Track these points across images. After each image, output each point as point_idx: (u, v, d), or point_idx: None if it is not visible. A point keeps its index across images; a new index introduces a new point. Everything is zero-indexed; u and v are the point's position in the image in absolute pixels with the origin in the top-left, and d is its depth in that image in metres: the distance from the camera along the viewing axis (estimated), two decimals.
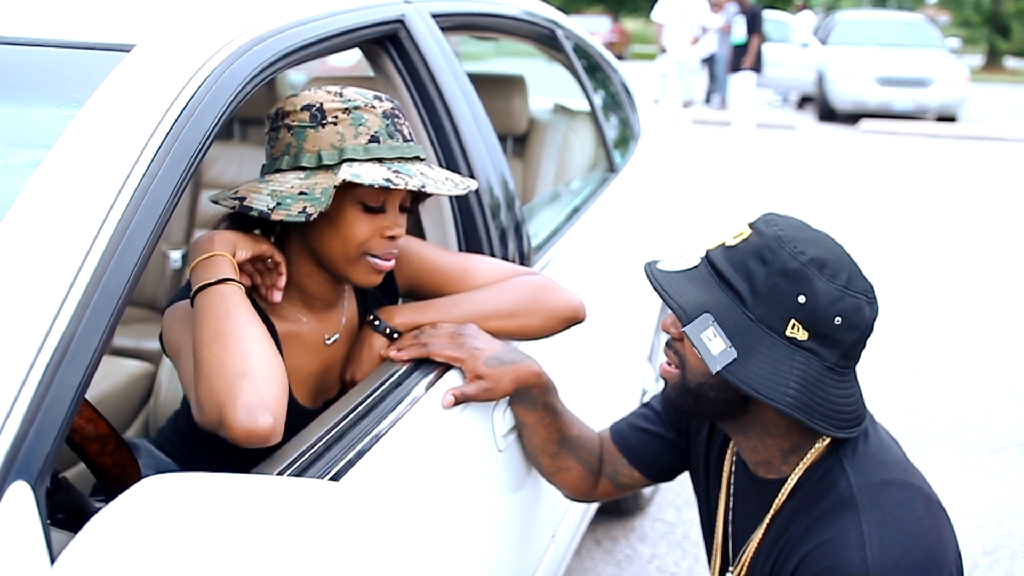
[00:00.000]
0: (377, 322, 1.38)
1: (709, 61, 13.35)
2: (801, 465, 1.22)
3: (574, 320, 1.52)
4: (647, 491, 2.83)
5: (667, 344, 1.27)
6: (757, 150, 9.89)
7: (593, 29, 26.00)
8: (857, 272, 1.17)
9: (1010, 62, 24.45)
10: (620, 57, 26.26)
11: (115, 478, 1.11)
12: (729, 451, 1.38)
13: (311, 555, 0.90)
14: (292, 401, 1.23)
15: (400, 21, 1.53)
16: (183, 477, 0.77)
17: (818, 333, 1.13)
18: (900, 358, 4.16)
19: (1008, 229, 6.73)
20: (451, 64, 1.63)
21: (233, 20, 1.19)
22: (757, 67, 9.84)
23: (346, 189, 1.22)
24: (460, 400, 1.33)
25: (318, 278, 1.32)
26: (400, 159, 1.25)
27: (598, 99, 2.62)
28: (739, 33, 10.11)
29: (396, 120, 1.27)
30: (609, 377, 2.24)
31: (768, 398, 1.12)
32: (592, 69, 2.70)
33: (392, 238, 1.27)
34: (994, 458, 3.28)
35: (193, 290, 1.14)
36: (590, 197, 2.30)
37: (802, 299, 1.12)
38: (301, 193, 1.19)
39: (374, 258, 1.27)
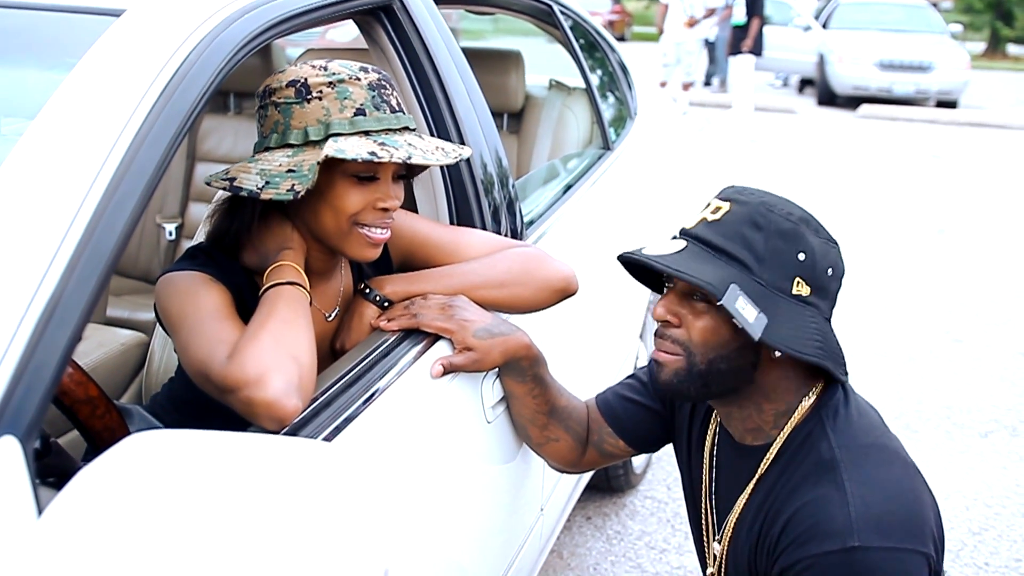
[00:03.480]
0: (368, 291, 1.39)
1: (709, 43, 13.30)
2: (788, 426, 1.25)
3: (566, 292, 1.52)
4: (638, 468, 2.85)
5: (659, 334, 1.26)
6: (756, 133, 9.87)
7: (594, 8, 25.77)
8: (821, 224, 1.25)
9: (1013, 48, 24.33)
10: (621, 38, 26.10)
11: (105, 442, 1.11)
12: (712, 423, 1.39)
13: (300, 513, 0.91)
14: None
15: None
16: (172, 433, 0.78)
17: (817, 287, 1.20)
18: (892, 343, 4.17)
19: (1005, 216, 6.73)
20: (446, 38, 1.63)
21: None
22: (757, 50, 9.78)
23: (335, 163, 1.22)
24: (448, 370, 1.34)
25: (315, 252, 1.33)
26: (387, 131, 1.25)
27: (595, 77, 2.61)
28: (739, 15, 10.06)
29: (383, 91, 1.27)
30: (601, 354, 2.25)
31: (804, 353, 1.16)
32: (589, 47, 2.70)
33: (385, 210, 1.28)
34: (983, 441, 3.31)
35: (267, 285, 1.21)
36: (584, 174, 2.30)
37: (801, 256, 1.18)
38: (289, 171, 1.20)
39: (367, 228, 1.27)
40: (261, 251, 1.29)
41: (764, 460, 1.27)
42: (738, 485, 1.32)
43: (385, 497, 1.16)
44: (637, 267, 1.32)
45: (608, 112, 2.67)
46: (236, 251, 1.32)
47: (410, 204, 1.65)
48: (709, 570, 1.42)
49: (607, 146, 2.51)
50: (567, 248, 1.93)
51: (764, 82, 15.05)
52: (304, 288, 1.22)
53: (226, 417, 1.14)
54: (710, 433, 1.39)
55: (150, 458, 0.75)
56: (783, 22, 13.95)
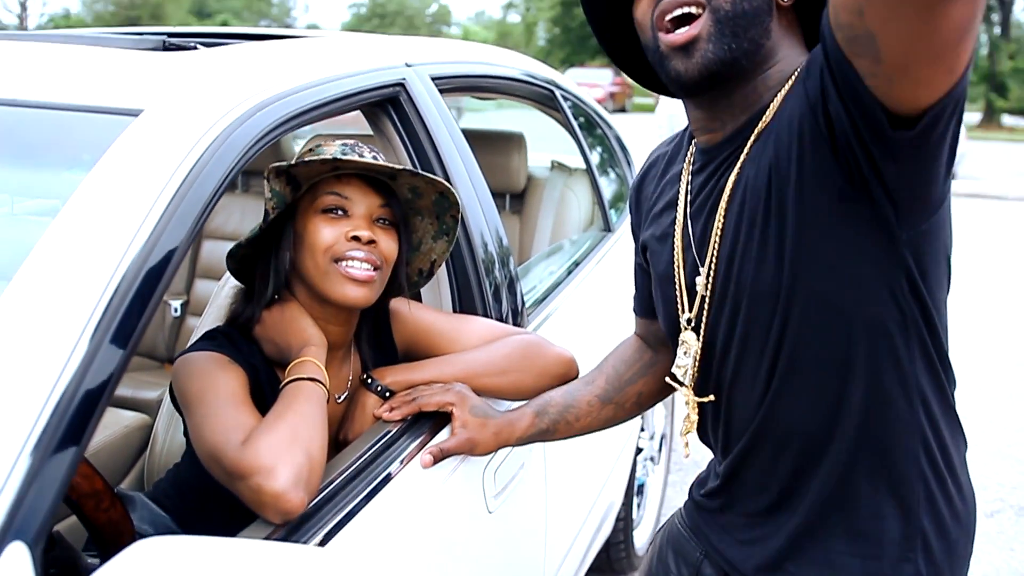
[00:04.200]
0: (370, 381, 1.40)
1: None
2: (792, 79, 1.10)
3: (567, 377, 1.53)
4: (640, 550, 2.82)
5: (677, 10, 1.09)
6: None
7: (595, 81, 26.35)
8: None
9: (1008, 119, 24.74)
10: (622, 109, 26.58)
11: (109, 535, 1.12)
12: (686, 169, 1.25)
13: None
14: None
15: (400, 84, 1.58)
16: (175, 540, 0.79)
17: None
18: None
19: (1006, 287, 6.76)
20: (448, 126, 1.67)
21: (239, 85, 1.22)
22: None
23: (308, 205, 1.32)
24: (439, 457, 1.32)
25: (320, 323, 1.35)
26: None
27: (595, 157, 2.67)
28: None
29: (356, 146, 1.34)
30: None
31: None
32: (589, 127, 2.76)
33: (356, 239, 1.30)
34: (989, 521, 3.27)
35: (290, 379, 1.23)
36: (586, 256, 2.33)
37: None
38: (267, 200, 1.29)
39: (343, 264, 1.30)
40: (282, 345, 1.32)
41: (766, 113, 1.11)
42: (722, 178, 1.15)
43: None
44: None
45: (609, 191, 2.72)
46: (252, 332, 1.35)
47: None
48: (685, 315, 1.21)
49: (608, 228, 2.55)
50: (569, 331, 1.95)
51: None
52: (324, 386, 1.24)
53: (230, 507, 1.15)
54: (685, 183, 1.24)
55: (154, 566, 0.76)
56: None
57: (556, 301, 2.03)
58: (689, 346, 1.21)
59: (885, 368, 1.07)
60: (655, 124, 10.53)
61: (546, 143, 3.31)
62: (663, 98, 10.21)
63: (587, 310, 2.17)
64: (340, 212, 1.31)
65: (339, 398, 1.41)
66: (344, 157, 1.29)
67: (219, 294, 1.92)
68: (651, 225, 1.30)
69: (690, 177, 1.22)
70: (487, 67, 2.04)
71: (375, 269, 1.32)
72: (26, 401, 0.80)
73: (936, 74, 0.87)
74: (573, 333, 1.95)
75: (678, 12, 1.07)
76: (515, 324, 1.74)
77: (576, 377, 1.54)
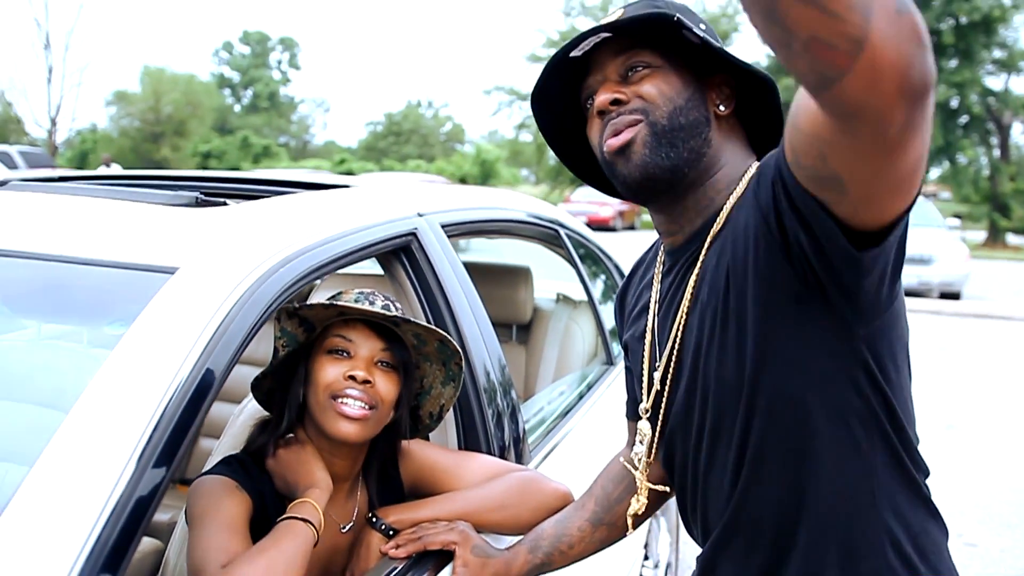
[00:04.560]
0: (375, 519, 1.48)
1: None
2: (740, 184, 1.19)
3: (565, 507, 1.59)
4: None
5: (613, 120, 1.20)
6: None
7: (605, 199, 26.91)
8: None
9: (1012, 238, 25.03)
10: (631, 227, 27.06)
11: None
12: (656, 274, 1.34)
13: None
14: None
15: (412, 234, 1.71)
16: None
17: (712, 35, 1.21)
18: None
19: (1015, 410, 6.75)
20: (455, 268, 1.80)
21: (265, 242, 1.35)
22: None
23: (319, 345, 1.43)
24: None
25: (325, 455, 1.44)
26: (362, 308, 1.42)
27: (597, 291, 2.78)
28: None
29: (370, 295, 1.46)
30: (603, 560, 2.27)
31: (748, 65, 1.17)
32: (594, 262, 2.89)
33: (352, 378, 1.40)
34: None
35: (287, 516, 1.31)
36: (589, 390, 2.42)
37: (703, 26, 1.20)
38: (279, 339, 1.43)
39: (339, 400, 1.39)
40: (291, 483, 1.40)
41: (717, 219, 1.19)
42: (683, 278, 1.24)
43: None
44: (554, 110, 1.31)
45: (610, 324, 2.82)
46: (265, 462, 1.45)
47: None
48: (642, 405, 1.30)
49: (610, 361, 2.65)
50: (571, 462, 2.02)
51: None
52: (316, 531, 1.31)
53: None
54: (655, 288, 1.33)
55: None
56: None
57: (559, 433, 2.11)
58: (644, 435, 1.30)
59: (847, 458, 1.11)
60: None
61: (551, 270, 3.43)
62: None
63: (588, 442, 2.24)
64: (344, 353, 1.42)
65: (344, 528, 1.48)
66: (352, 305, 1.40)
67: (236, 420, 2.00)
68: (630, 328, 1.40)
69: (660, 280, 1.32)
70: (494, 211, 2.18)
71: (370, 408, 1.41)
72: (68, 543, 0.89)
73: (897, 199, 0.95)
74: (575, 465, 2.02)
75: (622, 126, 1.19)
76: (516, 450, 1.82)
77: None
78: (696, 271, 1.20)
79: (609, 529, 1.49)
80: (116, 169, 19.17)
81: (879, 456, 1.12)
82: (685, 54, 1.19)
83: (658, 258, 1.35)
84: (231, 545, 1.25)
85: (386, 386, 1.43)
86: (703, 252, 1.20)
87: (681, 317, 1.22)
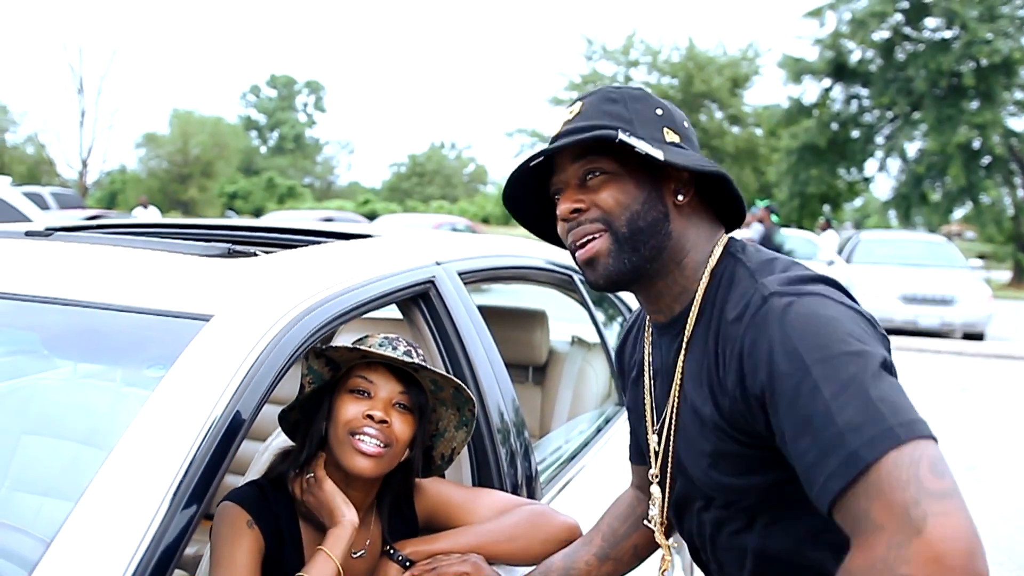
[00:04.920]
0: (393, 551, 1.56)
1: None
2: (707, 271, 1.27)
3: (571, 541, 1.67)
4: None
5: (575, 228, 1.28)
6: None
7: None
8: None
9: None
10: None
11: None
12: (646, 340, 1.42)
13: None
14: None
15: (431, 281, 1.81)
16: None
17: (682, 135, 1.29)
18: None
19: None
20: (471, 314, 1.89)
21: (291, 291, 1.45)
22: None
23: (342, 384, 1.54)
24: None
25: (341, 486, 1.54)
26: (385, 355, 1.52)
27: (611, 334, 2.87)
28: None
29: (394, 341, 1.56)
30: None
31: (705, 167, 1.23)
32: (607, 303, 2.98)
33: (370, 417, 1.50)
34: None
35: (322, 549, 1.45)
36: (600, 430, 2.49)
37: (659, 111, 1.29)
38: (305, 376, 1.54)
39: (356, 437, 1.49)
40: (323, 511, 1.51)
41: (692, 308, 1.27)
42: (671, 359, 1.31)
43: None
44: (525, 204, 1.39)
45: None
46: (285, 485, 1.56)
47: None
48: (651, 471, 1.39)
49: (622, 402, 2.72)
50: (583, 498, 2.09)
51: None
52: (337, 567, 1.42)
53: None
54: (647, 352, 1.41)
55: None
56: (808, 256, 14.54)
57: (572, 470, 2.19)
58: (655, 499, 1.39)
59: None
60: None
61: (566, 312, 3.52)
62: None
63: (600, 478, 2.31)
64: (365, 394, 1.53)
65: (356, 554, 1.57)
66: (374, 350, 1.51)
67: (260, 458, 2.10)
68: (631, 389, 1.50)
69: (650, 348, 1.41)
70: (510, 259, 2.28)
71: (385, 446, 1.51)
72: (120, 552, 0.98)
73: None
74: (586, 500, 2.09)
75: (584, 240, 1.28)
76: (529, 488, 1.89)
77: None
78: (681, 359, 1.29)
79: (615, 564, 1.57)
80: (153, 210, 19.56)
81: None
82: (639, 156, 1.25)
83: (647, 321, 1.43)
84: None
85: (401, 426, 1.53)
86: (685, 340, 1.28)
87: (674, 398, 1.31)
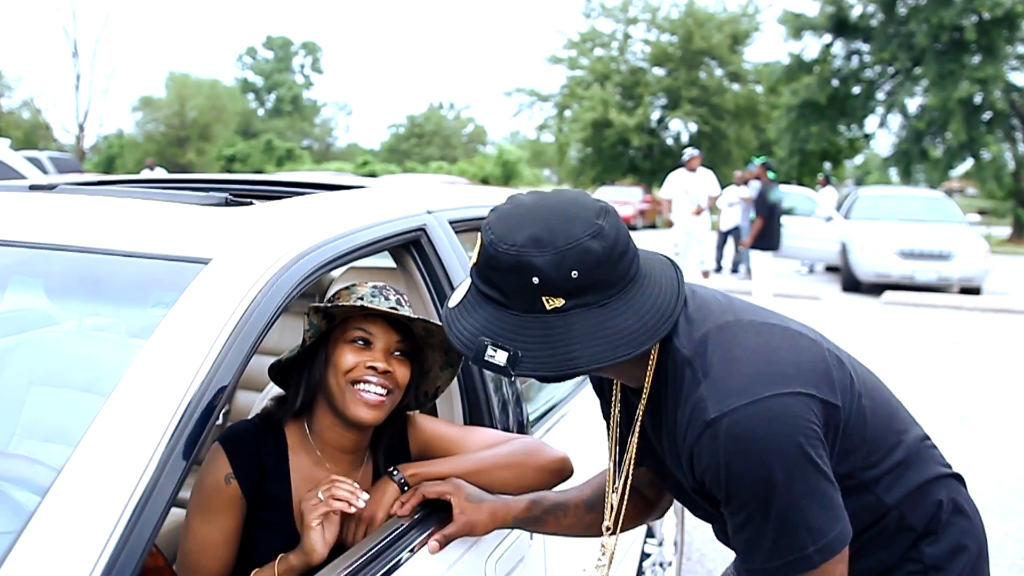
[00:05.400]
0: (395, 471, 1.64)
1: (735, 232, 13.88)
2: (651, 363, 1.34)
3: (563, 473, 1.76)
4: None
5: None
6: None
7: (626, 199, 27.04)
8: (571, 220, 1.24)
9: None
10: (652, 225, 27.15)
11: None
12: (616, 385, 1.51)
13: None
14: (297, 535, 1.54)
15: (422, 229, 1.87)
16: None
17: (568, 292, 1.22)
18: None
19: None
20: (462, 262, 1.96)
21: (286, 237, 1.51)
22: (772, 244, 10.22)
23: (340, 333, 1.59)
24: (444, 543, 1.55)
25: (337, 429, 1.62)
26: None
27: None
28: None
29: (384, 289, 1.62)
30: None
31: (556, 371, 1.24)
32: None
33: (373, 368, 1.56)
34: None
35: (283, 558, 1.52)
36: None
37: (535, 280, 1.22)
38: (306, 330, 1.59)
39: (360, 386, 1.56)
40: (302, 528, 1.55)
41: (643, 392, 1.36)
42: (629, 424, 1.44)
43: None
44: None
45: None
46: (279, 426, 1.65)
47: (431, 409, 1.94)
48: (604, 523, 1.51)
49: None
50: (574, 445, 2.17)
51: (791, 269, 15.52)
52: None
53: None
54: (616, 390, 1.50)
55: None
56: (807, 213, 14.57)
57: (562, 414, 2.27)
58: (606, 548, 1.52)
59: None
60: (670, 243, 10.84)
61: None
62: (678, 217, 10.59)
63: (589, 423, 2.39)
64: (365, 343, 1.59)
65: None
66: (372, 304, 1.57)
67: (260, 404, 2.18)
68: (607, 420, 1.58)
69: (619, 394, 1.50)
70: None
71: (387, 393, 1.58)
72: (118, 488, 1.06)
73: None
74: (576, 443, 2.17)
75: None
76: (520, 434, 1.97)
77: (571, 474, 1.77)
78: (638, 425, 1.42)
79: (597, 517, 1.64)
80: (160, 172, 19.57)
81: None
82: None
83: None
84: (206, 534, 1.52)
85: (401, 372, 1.61)
86: (640, 411, 1.40)
87: (631, 451, 1.44)
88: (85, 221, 1.59)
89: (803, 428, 1.21)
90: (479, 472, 1.67)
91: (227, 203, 1.65)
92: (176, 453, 1.14)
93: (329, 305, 1.57)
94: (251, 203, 1.68)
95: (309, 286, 1.51)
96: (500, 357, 1.24)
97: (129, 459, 1.10)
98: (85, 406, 1.37)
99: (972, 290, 12.82)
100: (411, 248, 1.88)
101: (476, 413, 1.87)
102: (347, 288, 1.64)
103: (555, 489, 1.71)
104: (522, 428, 2.00)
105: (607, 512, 1.52)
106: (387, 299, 1.61)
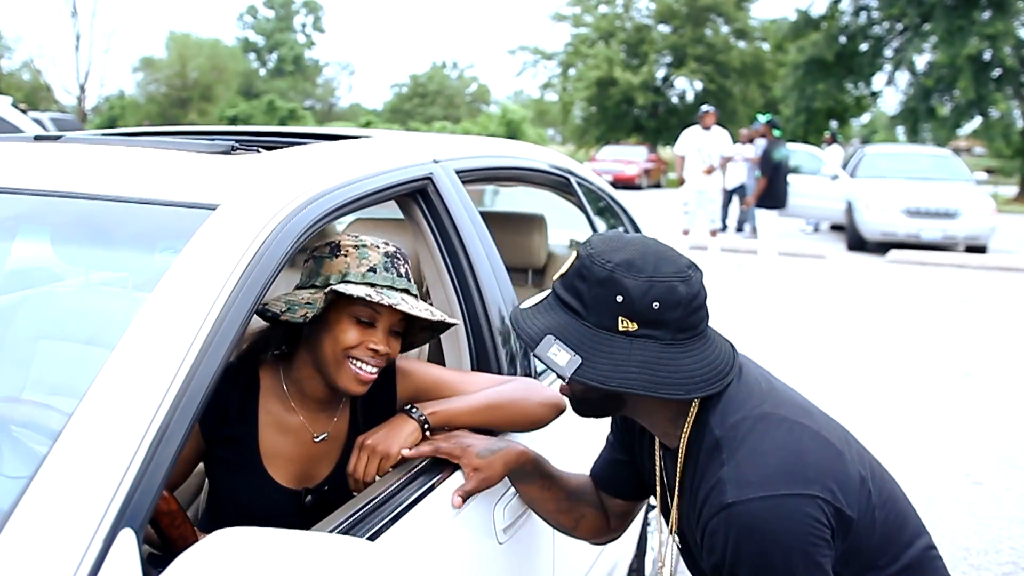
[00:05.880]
0: (413, 410, 1.64)
1: (740, 191, 13.81)
2: (686, 428, 1.42)
3: (559, 407, 1.79)
4: None
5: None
6: (786, 277, 10.14)
7: (631, 157, 26.88)
8: (665, 260, 1.37)
9: None
10: (657, 185, 27.02)
11: (179, 548, 1.36)
12: (657, 441, 1.57)
13: None
14: (269, 479, 1.60)
15: (428, 178, 1.86)
16: (246, 531, 1.03)
17: (644, 321, 1.33)
18: (912, 484, 4.25)
19: None
20: (470, 213, 1.95)
21: (293, 184, 1.50)
22: (778, 203, 10.17)
23: (343, 304, 1.57)
24: (466, 497, 1.57)
25: (315, 382, 1.63)
26: (389, 287, 1.58)
27: None
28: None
29: (395, 260, 1.62)
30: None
31: (608, 385, 1.32)
32: (604, 210, 3.03)
33: (374, 351, 1.56)
34: None
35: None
36: None
37: (619, 299, 1.33)
38: (306, 303, 1.56)
39: (358, 364, 1.56)
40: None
41: (678, 461, 1.45)
42: (671, 485, 1.50)
43: None
44: None
45: None
46: (254, 365, 1.66)
47: (438, 355, 1.93)
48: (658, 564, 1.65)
49: None
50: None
51: (796, 228, 15.47)
52: None
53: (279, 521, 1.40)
54: (657, 449, 1.57)
55: (233, 550, 1.00)
56: (813, 171, 14.49)
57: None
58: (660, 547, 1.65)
59: None
60: (680, 201, 10.80)
61: (566, 217, 3.58)
62: (690, 175, 10.53)
63: None
64: (369, 324, 1.58)
65: (318, 438, 1.66)
66: (384, 278, 1.58)
67: None
68: (647, 475, 1.64)
69: (663, 461, 1.55)
70: (507, 160, 2.32)
71: (379, 371, 1.60)
72: (136, 420, 1.06)
73: None
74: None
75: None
76: None
77: (564, 410, 1.79)
78: (677, 493, 1.49)
79: (571, 507, 1.74)
80: None
81: None
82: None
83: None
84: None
85: (394, 348, 1.62)
86: (677, 475, 1.47)
87: (674, 509, 1.51)
88: (91, 169, 1.58)
89: (813, 531, 1.27)
90: (493, 408, 1.69)
91: (233, 151, 1.64)
92: (187, 398, 1.14)
93: (339, 292, 1.53)
94: (257, 151, 1.67)
95: (315, 235, 1.50)
96: (562, 358, 1.34)
97: (139, 404, 1.09)
98: (93, 358, 1.37)
99: (978, 248, 12.78)
100: (418, 198, 1.87)
101: (484, 365, 1.87)
102: (356, 247, 1.62)
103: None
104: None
105: (661, 551, 1.65)
106: (399, 275, 1.61)
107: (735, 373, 1.40)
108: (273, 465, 1.63)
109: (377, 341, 1.58)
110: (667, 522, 1.56)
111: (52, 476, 1.02)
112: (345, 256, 1.61)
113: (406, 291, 1.61)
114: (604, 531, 1.77)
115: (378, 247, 1.63)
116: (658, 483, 1.58)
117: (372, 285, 1.57)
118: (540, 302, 1.44)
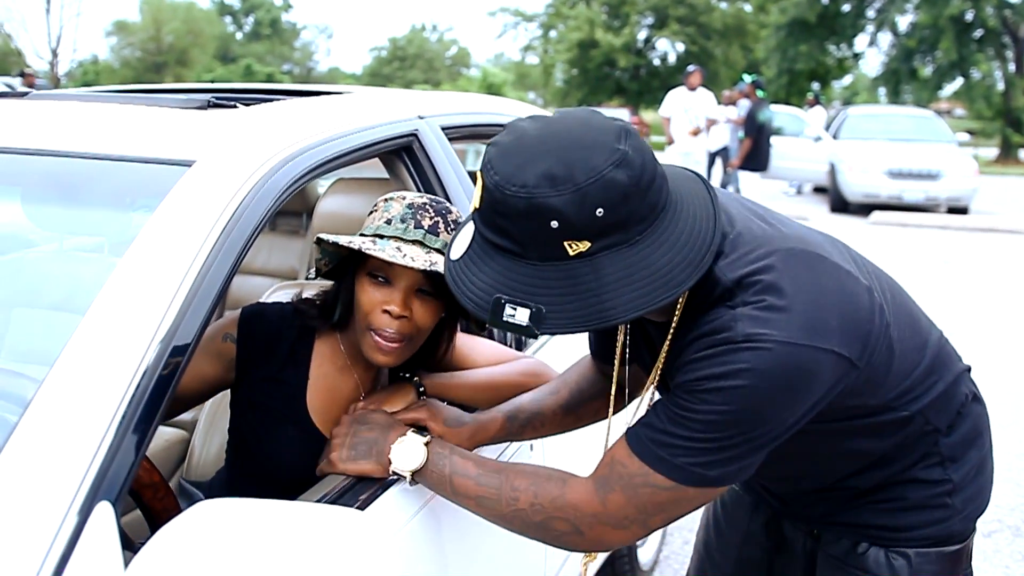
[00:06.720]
0: (415, 380, 1.59)
1: (723, 153, 13.76)
2: (682, 298, 1.20)
3: None
4: (646, 565, 2.97)
5: None
6: None
7: (616, 118, 26.73)
8: (587, 148, 1.07)
9: None
10: None
11: (163, 521, 1.32)
12: None
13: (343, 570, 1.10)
14: (315, 431, 1.52)
15: (413, 135, 1.80)
16: (231, 501, 0.98)
17: (594, 233, 1.06)
18: None
19: (1013, 321, 6.87)
20: (456, 169, 1.89)
21: (273, 139, 1.44)
22: (751, 166, 10.14)
23: (362, 264, 1.46)
24: (411, 424, 1.46)
25: (355, 353, 1.56)
26: (399, 239, 1.42)
27: None
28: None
29: (419, 212, 1.45)
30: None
31: (588, 326, 1.09)
32: None
33: (389, 313, 1.42)
34: (986, 541, 3.39)
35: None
36: None
37: (554, 224, 1.05)
38: (318, 257, 1.50)
39: (374, 332, 1.45)
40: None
41: (671, 324, 1.23)
42: (653, 354, 1.32)
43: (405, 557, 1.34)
44: None
45: None
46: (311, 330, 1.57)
47: None
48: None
49: None
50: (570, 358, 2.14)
51: (779, 190, 15.46)
52: None
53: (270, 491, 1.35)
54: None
55: (217, 520, 0.95)
56: (795, 133, 14.44)
57: None
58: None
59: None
60: (667, 162, 10.71)
61: None
62: (676, 136, 10.46)
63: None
64: (384, 279, 1.44)
65: (364, 396, 1.59)
66: (399, 231, 1.42)
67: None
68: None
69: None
70: (492, 116, 2.26)
71: (403, 339, 1.45)
72: (111, 390, 1.01)
73: None
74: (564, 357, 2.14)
75: None
76: (518, 348, 1.93)
77: None
78: (662, 360, 1.28)
79: (575, 419, 1.61)
80: None
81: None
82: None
83: None
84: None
85: (423, 314, 1.45)
86: (664, 348, 1.26)
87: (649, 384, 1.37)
88: (61, 126, 1.51)
89: (816, 390, 1.15)
90: (494, 388, 1.63)
91: (209, 106, 1.57)
92: (165, 363, 1.08)
93: (341, 244, 1.40)
94: (235, 106, 1.60)
95: (296, 193, 1.44)
96: (521, 315, 1.08)
97: (114, 370, 1.04)
98: (68, 323, 1.31)
99: (959, 210, 12.83)
100: (403, 154, 1.80)
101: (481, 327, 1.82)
102: (386, 200, 1.49)
103: (529, 394, 1.63)
104: (520, 347, 1.95)
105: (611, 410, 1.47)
106: (417, 225, 1.43)
107: (721, 225, 1.16)
108: (319, 419, 1.54)
109: (391, 302, 1.42)
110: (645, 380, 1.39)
111: (22, 447, 0.96)
112: (375, 210, 1.49)
113: (418, 242, 1.43)
114: (603, 408, 1.58)
115: (404, 198, 1.48)
116: (618, 349, 1.41)
117: (381, 237, 1.42)
118: (469, 247, 1.16)
